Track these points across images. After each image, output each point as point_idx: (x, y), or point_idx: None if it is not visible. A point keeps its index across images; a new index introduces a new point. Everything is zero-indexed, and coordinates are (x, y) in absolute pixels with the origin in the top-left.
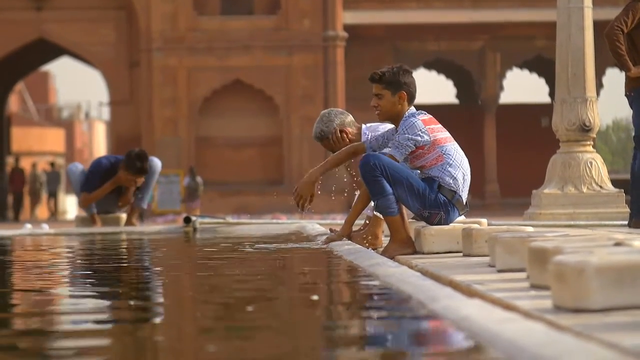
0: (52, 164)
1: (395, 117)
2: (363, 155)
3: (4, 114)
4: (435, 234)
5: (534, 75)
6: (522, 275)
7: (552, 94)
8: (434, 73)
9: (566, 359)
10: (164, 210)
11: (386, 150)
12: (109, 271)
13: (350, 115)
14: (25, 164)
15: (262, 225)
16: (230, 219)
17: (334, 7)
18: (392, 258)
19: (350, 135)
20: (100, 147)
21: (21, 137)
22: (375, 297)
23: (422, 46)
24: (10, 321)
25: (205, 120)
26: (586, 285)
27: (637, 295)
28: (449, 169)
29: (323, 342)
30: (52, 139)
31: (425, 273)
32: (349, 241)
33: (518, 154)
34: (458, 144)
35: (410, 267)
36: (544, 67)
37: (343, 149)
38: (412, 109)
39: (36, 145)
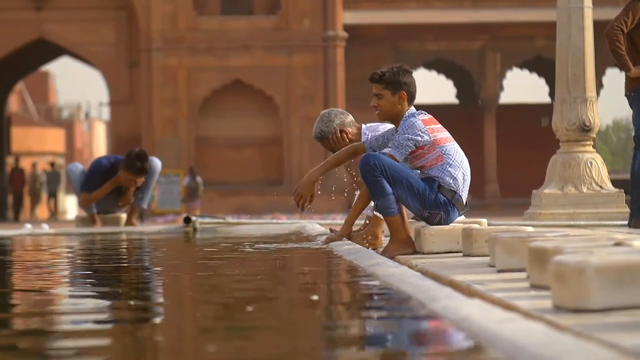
0: (52, 164)
1: (395, 117)
2: (363, 155)
3: (4, 114)
4: (435, 234)
5: (534, 75)
6: (522, 275)
7: (552, 94)
8: (433, 73)
9: (566, 359)
10: (164, 210)
11: (386, 150)
12: (109, 271)
13: (350, 116)
14: (25, 164)
15: (262, 225)
16: (230, 219)
17: (334, 7)
18: (392, 258)
19: (350, 135)
20: (100, 147)
21: (21, 137)
22: (375, 297)
23: (422, 46)
24: (10, 321)
25: (205, 120)
26: (586, 285)
27: (637, 295)
28: (449, 169)
29: (323, 342)
30: (52, 139)
31: (425, 273)
32: (349, 241)
33: (518, 154)
34: (458, 144)
35: (410, 267)
36: (544, 67)
37: (343, 149)
38: (412, 109)
39: (36, 145)
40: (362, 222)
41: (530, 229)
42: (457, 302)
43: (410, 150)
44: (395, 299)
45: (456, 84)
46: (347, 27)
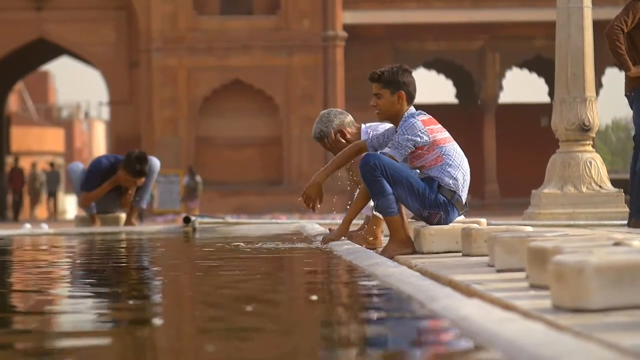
0: (52, 164)
1: (394, 117)
2: (363, 155)
3: (3, 114)
4: (435, 233)
5: (534, 75)
6: (522, 275)
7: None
8: (433, 73)
9: (566, 359)
10: (164, 210)
11: (386, 150)
12: (109, 271)
13: (350, 116)
14: (25, 163)
15: (262, 225)
16: (229, 219)
17: (334, 7)
18: (391, 258)
19: (349, 136)
20: (99, 147)
21: (21, 137)
22: (375, 297)
23: (422, 46)
24: (9, 321)
25: (205, 120)
26: (585, 285)
27: (636, 295)
28: (449, 169)
29: (322, 342)
30: (52, 139)
31: (424, 273)
32: (348, 241)
33: (517, 154)
34: (458, 143)
35: (410, 267)
36: (543, 66)
37: (346, 148)
38: (412, 109)
39: (35, 145)
40: (362, 222)
41: (529, 228)
42: (456, 302)
43: (409, 151)
44: (394, 299)
45: (456, 84)
46: (346, 27)
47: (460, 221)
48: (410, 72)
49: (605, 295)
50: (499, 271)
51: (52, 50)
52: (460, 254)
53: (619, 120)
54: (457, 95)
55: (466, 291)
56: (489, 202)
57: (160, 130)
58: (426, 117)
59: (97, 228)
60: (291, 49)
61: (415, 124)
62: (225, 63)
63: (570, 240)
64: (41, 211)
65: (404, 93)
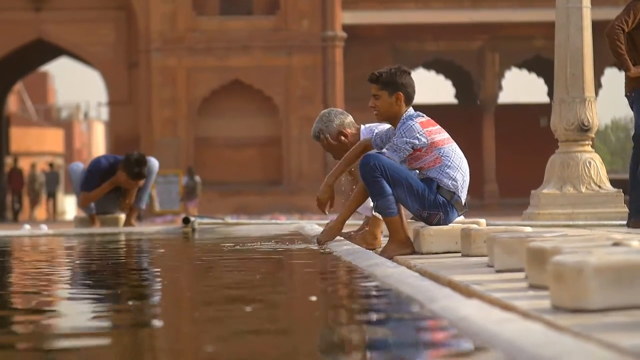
0: (51, 165)
1: (392, 118)
2: (363, 155)
3: (2, 114)
4: (434, 234)
5: (533, 75)
6: (521, 275)
7: (550, 93)
8: (433, 73)
9: (565, 359)
10: (163, 210)
11: (384, 151)
12: (108, 272)
13: (350, 116)
14: (24, 164)
15: (261, 226)
16: (229, 220)
17: (333, 8)
18: (390, 258)
19: (349, 136)
20: (99, 148)
21: (20, 138)
22: (374, 298)
23: (421, 46)
24: (9, 322)
25: (205, 121)
26: (585, 285)
27: (635, 295)
28: (447, 170)
29: (321, 343)
30: (51, 139)
31: (423, 273)
32: (348, 241)
33: (517, 154)
34: (457, 144)
35: (409, 267)
36: (542, 67)
37: (352, 147)
38: (410, 111)
39: (35, 145)
40: (362, 222)
41: (528, 229)
42: (455, 302)
43: (407, 154)
44: (394, 300)
45: (455, 84)
46: (346, 27)
47: (459, 221)
48: (409, 73)
49: (605, 296)
50: (498, 271)
51: (52, 51)
52: (460, 254)
53: (619, 121)
54: (457, 96)
55: (465, 291)
56: (488, 203)
57: (160, 131)
58: (424, 118)
59: (97, 229)
60: (290, 49)
61: (413, 127)
62: (224, 63)
63: (570, 240)
64: (40, 212)
65: (402, 94)
